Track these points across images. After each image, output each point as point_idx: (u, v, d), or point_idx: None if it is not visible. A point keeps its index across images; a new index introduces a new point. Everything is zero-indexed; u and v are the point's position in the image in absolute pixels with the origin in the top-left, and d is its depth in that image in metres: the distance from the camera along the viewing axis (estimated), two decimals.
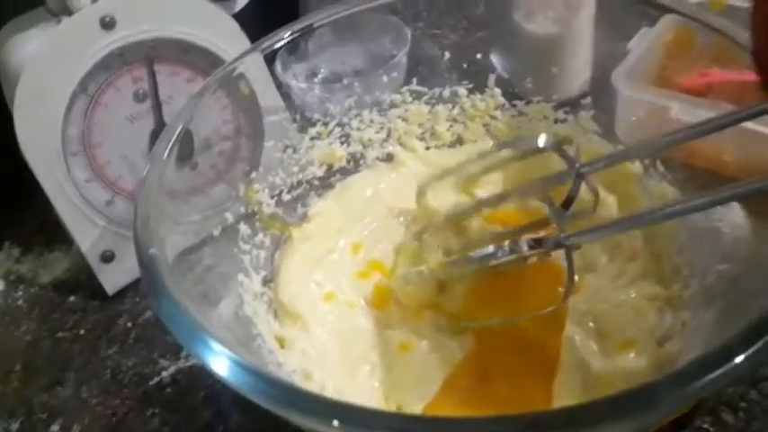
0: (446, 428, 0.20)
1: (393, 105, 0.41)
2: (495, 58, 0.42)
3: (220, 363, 0.22)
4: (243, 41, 0.40)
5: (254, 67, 0.36)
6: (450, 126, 0.42)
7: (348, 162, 0.41)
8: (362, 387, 0.31)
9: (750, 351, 0.20)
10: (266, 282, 0.35)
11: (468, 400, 0.31)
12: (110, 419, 0.36)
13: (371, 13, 0.40)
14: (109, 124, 0.39)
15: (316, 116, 0.40)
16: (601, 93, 0.39)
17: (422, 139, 0.42)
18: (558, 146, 0.31)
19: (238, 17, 0.41)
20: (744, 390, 0.32)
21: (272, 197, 0.38)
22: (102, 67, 0.38)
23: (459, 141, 0.42)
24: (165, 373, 0.37)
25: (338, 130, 0.40)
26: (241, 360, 0.22)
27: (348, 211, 0.39)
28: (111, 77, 0.38)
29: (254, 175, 0.38)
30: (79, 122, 0.38)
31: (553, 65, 0.42)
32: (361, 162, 0.41)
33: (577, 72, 0.42)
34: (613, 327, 0.32)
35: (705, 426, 0.31)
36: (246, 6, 0.50)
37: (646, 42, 0.39)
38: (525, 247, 0.30)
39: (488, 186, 0.38)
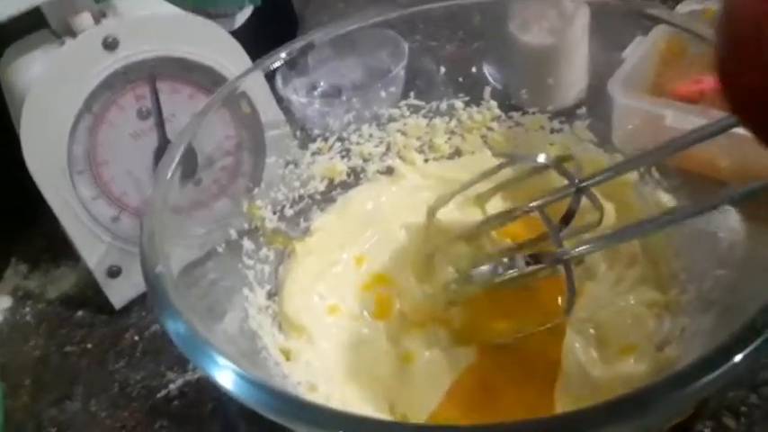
0: None
1: (392, 119, 0.42)
2: (490, 70, 0.42)
3: (226, 376, 0.23)
4: (243, 58, 0.41)
5: (255, 84, 0.37)
6: (449, 138, 0.42)
7: (349, 176, 0.42)
8: (367, 398, 0.32)
9: (747, 351, 0.20)
10: (271, 295, 0.36)
11: (471, 408, 0.31)
12: None
13: (369, 28, 0.41)
14: (113, 142, 0.40)
15: (316, 131, 0.41)
16: (596, 102, 0.39)
17: (421, 151, 0.43)
18: (556, 163, 0.32)
19: (237, 34, 0.42)
20: (744, 394, 0.32)
21: (274, 212, 0.38)
22: (105, 86, 0.38)
23: (457, 153, 0.43)
24: (172, 386, 0.38)
25: (338, 144, 0.41)
26: (246, 373, 0.22)
27: (350, 224, 0.40)
28: (114, 96, 0.39)
29: (256, 191, 0.39)
30: (84, 141, 0.39)
31: (548, 75, 0.42)
32: (361, 176, 0.42)
33: (573, 82, 0.42)
34: (613, 333, 0.32)
35: (706, 430, 0.31)
36: (244, 23, 0.51)
37: (640, 51, 0.39)
38: (523, 264, 0.31)
39: (496, 202, 0.39)
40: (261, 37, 0.48)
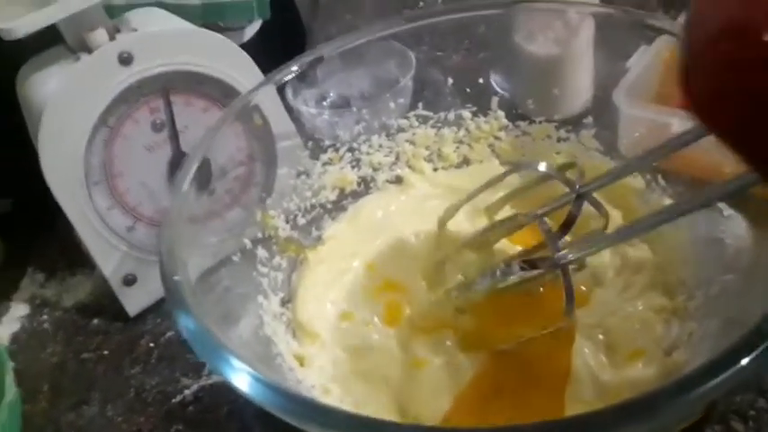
0: None
1: (401, 130, 0.42)
2: (497, 79, 0.43)
3: (243, 380, 0.23)
4: (253, 70, 0.41)
5: (267, 97, 0.38)
6: (457, 148, 0.43)
7: (359, 185, 0.42)
8: (380, 402, 0.32)
9: (753, 355, 0.20)
10: (284, 302, 0.37)
11: (482, 413, 0.32)
12: None
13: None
14: (128, 154, 0.40)
15: (327, 142, 0.41)
16: (602, 111, 0.40)
17: (429, 161, 0.43)
18: (555, 170, 0.32)
19: (246, 47, 0.42)
20: (752, 398, 0.33)
21: (287, 221, 0.39)
22: (120, 100, 0.39)
23: (465, 162, 0.43)
24: (187, 392, 0.38)
25: (349, 155, 0.42)
26: (263, 376, 0.23)
27: (361, 233, 0.40)
28: (129, 110, 0.40)
29: (269, 200, 0.39)
30: (100, 153, 0.39)
31: (554, 85, 0.43)
32: (371, 185, 0.43)
33: (578, 91, 0.43)
34: (622, 338, 0.32)
35: None
36: (253, 36, 0.52)
37: (644, 61, 0.40)
38: (518, 270, 0.31)
39: (506, 213, 0.39)
40: (270, 49, 0.49)
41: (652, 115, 0.39)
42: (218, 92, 0.42)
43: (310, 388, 0.32)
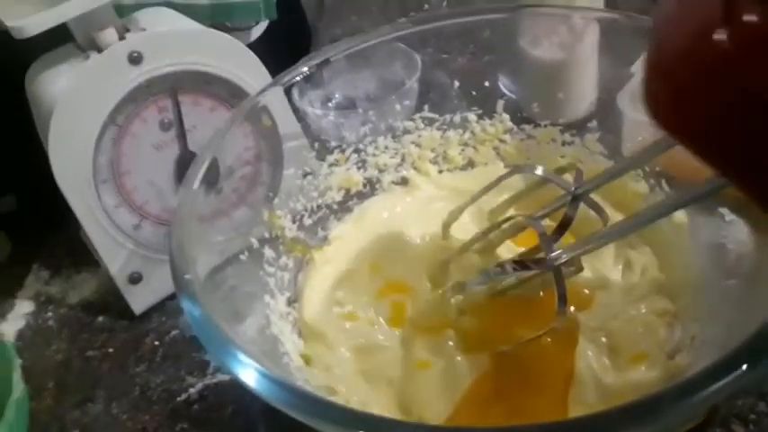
0: None
1: (406, 131, 0.43)
2: (504, 81, 0.43)
3: (251, 376, 0.24)
4: (260, 70, 0.42)
5: (275, 99, 0.38)
6: (462, 150, 0.43)
7: (365, 186, 0.43)
8: (385, 402, 0.33)
9: (755, 359, 0.21)
10: (291, 302, 0.37)
11: (485, 414, 0.32)
12: None
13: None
14: (136, 152, 0.41)
15: (333, 143, 0.42)
16: (606, 115, 0.40)
17: (435, 163, 0.44)
18: (551, 173, 0.32)
19: (253, 47, 0.43)
20: (753, 402, 0.33)
21: (293, 222, 0.39)
22: (129, 99, 0.39)
23: (470, 164, 0.44)
24: (192, 390, 0.39)
25: (355, 156, 0.42)
26: (271, 373, 0.23)
27: (366, 233, 0.40)
28: (138, 108, 0.40)
29: (276, 201, 0.40)
30: (109, 151, 0.40)
31: (559, 89, 0.43)
32: (377, 186, 0.43)
33: (583, 96, 0.43)
34: (625, 341, 0.32)
35: None
36: (260, 36, 0.52)
37: None
38: (510, 270, 0.32)
39: (510, 213, 0.39)
40: (276, 49, 0.50)
41: None
42: (225, 92, 0.42)
43: (317, 388, 0.32)
